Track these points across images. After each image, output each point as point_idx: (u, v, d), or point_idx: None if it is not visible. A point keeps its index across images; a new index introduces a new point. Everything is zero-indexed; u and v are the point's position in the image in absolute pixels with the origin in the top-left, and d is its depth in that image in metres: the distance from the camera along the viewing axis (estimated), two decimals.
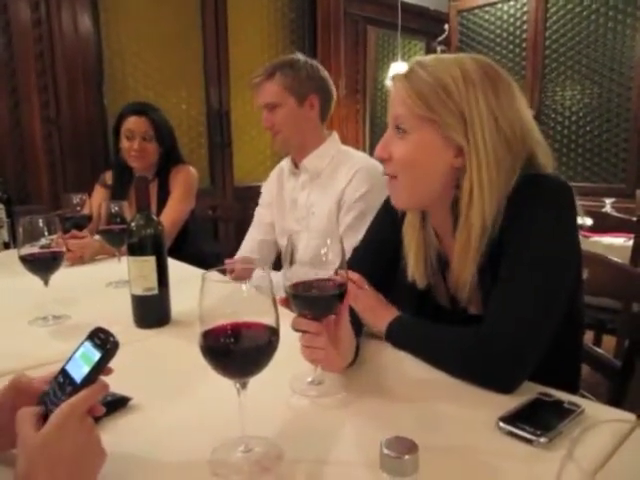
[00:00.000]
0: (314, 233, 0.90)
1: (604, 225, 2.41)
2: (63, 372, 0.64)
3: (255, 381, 0.69)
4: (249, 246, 1.98)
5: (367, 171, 1.70)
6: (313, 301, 0.87)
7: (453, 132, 0.95)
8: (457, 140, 0.95)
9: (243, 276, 0.69)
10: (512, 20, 4.45)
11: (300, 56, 1.78)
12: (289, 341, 0.89)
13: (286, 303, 0.87)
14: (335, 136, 1.85)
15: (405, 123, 0.98)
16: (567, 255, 0.95)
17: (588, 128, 4.14)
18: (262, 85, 1.74)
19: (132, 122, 2.21)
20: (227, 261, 1.66)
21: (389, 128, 1.02)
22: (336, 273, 0.85)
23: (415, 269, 1.08)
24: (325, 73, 1.80)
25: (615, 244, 2.41)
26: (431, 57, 1.01)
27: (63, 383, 0.63)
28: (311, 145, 1.79)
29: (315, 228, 1.75)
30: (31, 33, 2.70)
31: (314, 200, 1.79)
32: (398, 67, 3.97)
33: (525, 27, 4.37)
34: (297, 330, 0.89)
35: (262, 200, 2.02)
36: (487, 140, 0.94)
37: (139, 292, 1.20)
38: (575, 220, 0.96)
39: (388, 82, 1.07)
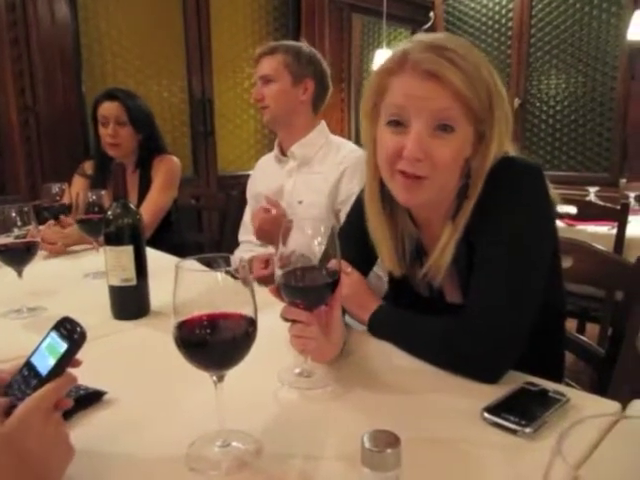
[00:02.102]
0: (307, 222, 0.88)
1: (588, 213, 2.41)
2: (28, 364, 0.62)
3: (242, 373, 0.67)
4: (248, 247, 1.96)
5: (357, 166, 1.69)
6: (305, 291, 0.86)
7: (486, 124, 0.91)
8: (484, 131, 0.91)
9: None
10: (498, 8, 4.43)
11: (306, 45, 1.82)
12: (278, 331, 0.87)
13: (276, 292, 0.85)
14: (324, 125, 1.85)
15: (453, 119, 0.88)
16: (543, 238, 0.94)
17: (573, 117, 4.16)
18: (263, 58, 1.77)
19: (105, 108, 2.17)
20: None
21: (418, 123, 0.88)
22: (324, 261, 0.83)
23: (388, 259, 1.05)
24: (325, 66, 1.83)
25: (599, 232, 2.42)
26: (446, 38, 0.92)
27: (28, 376, 0.60)
28: (299, 130, 1.79)
29: (303, 218, 1.74)
30: (5, 18, 2.61)
31: (300, 189, 1.78)
32: (383, 55, 3.93)
33: (510, 15, 4.36)
34: (287, 320, 0.87)
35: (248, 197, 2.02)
36: (499, 126, 0.92)
37: (116, 283, 1.17)
38: (548, 201, 0.94)
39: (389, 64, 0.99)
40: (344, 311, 1.02)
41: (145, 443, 0.72)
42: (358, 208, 1.15)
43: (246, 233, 1.98)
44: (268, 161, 1.94)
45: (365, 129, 1.01)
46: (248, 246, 1.92)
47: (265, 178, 1.91)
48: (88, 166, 2.34)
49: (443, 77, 0.86)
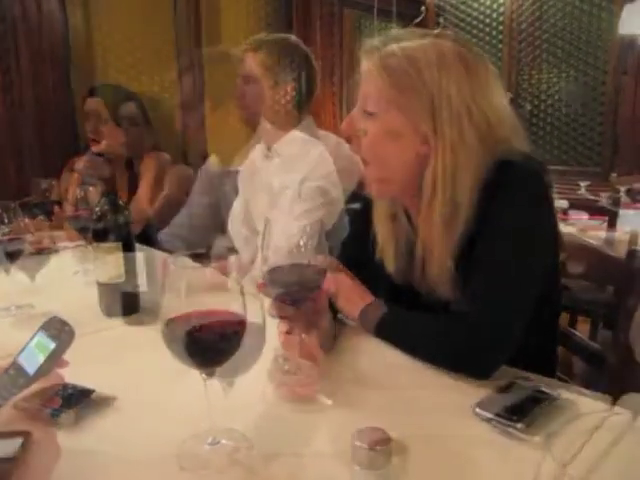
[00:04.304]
0: (291, 218, 0.88)
1: (579, 208, 2.42)
2: (15, 364, 0.61)
3: None
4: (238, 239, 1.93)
5: (335, 155, 1.68)
6: (292, 287, 0.85)
7: (419, 119, 0.91)
8: (422, 128, 0.91)
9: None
10: (489, 2, 4.43)
11: (294, 39, 1.76)
12: (267, 328, 0.86)
13: (263, 288, 0.84)
14: (309, 121, 1.82)
15: (372, 105, 0.94)
16: (542, 241, 0.93)
17: (564, 111, 4.16)
18: (246, 55, 1.73)
19: (88, 103, 2.16)
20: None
21: (357, 105, 0.98)
22: (311, 258, 0.83)
23: (392, 262, 1.06)
24: (313, 64, 1.77)
25: (590, 226, 2.43)
26: (409, 32, 0.95)
27: (15, 375, 0.60)
28: (281, 129, 1.76)
29: (283, 209, 1.73)
30: None
31: (284, 184, 1.77)
32: None
33: (502, 10, 4.36)
34: (274, 316, 0.86)
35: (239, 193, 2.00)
36: (455, 129, 0.90)
37: (105, 280, 1.15)
38: (550, 204, 0.95)
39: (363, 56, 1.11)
40: (336, 310, 1.02)
41: (135, 442, 0.71)
42: (362, 216, 1.15)
43: (235, 223, 1.96)
44: (255, 159, 1.92)
45: None
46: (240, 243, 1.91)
47: (252, 176, 1.90)
48: (79, 162, 2.31)
49: (367, 60, 0.97)
